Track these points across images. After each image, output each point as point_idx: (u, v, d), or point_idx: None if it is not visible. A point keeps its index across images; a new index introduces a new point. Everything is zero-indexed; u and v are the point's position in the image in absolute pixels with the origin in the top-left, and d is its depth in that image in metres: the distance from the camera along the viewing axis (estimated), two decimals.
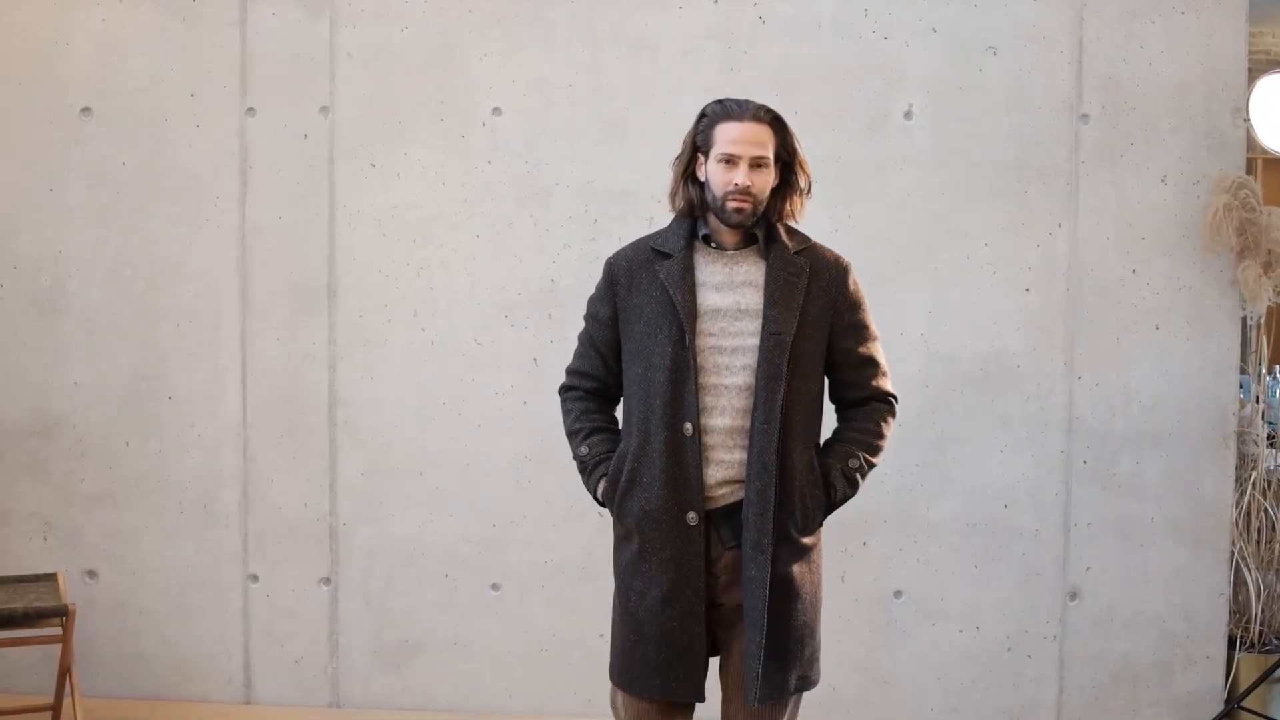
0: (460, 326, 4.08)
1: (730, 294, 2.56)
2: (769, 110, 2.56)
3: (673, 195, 2.63)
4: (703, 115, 2.60)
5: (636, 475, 2.55)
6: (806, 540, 2.57)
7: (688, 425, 2.49)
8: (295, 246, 4.11)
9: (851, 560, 4.00)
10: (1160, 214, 3.95)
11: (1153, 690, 4.00)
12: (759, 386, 2.49)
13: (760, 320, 2.52)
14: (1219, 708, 3.93)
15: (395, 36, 4.08)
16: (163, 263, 4.14)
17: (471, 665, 4.13)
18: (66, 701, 3.71)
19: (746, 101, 2.57)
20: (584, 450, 2.66)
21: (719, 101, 2.60)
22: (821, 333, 2.58)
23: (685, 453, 2.50)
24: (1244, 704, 3.87)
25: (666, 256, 2.58)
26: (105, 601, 4.18)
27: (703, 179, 2.57)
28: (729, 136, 2.52)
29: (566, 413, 2.72)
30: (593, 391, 2.70)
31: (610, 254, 2.70)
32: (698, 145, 2.59)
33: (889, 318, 3.95)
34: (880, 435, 2.65)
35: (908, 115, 3.99)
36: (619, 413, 2.70)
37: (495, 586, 4.11)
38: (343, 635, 4.16)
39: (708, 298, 2.55)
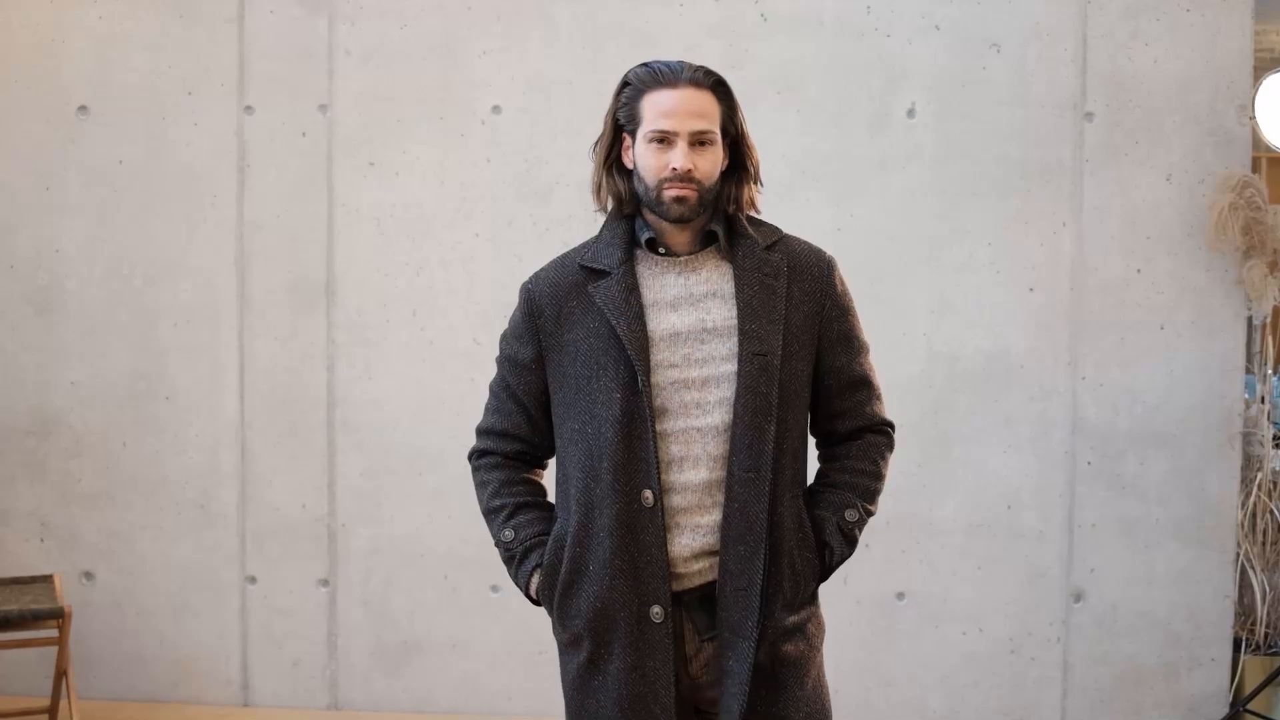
0: (459, 325, 4.06)
1: (691, 311, 2.03)
2: (709, 72, 2.04)
3: (596, 190, 2.10)
4: (624, 84, 2.07)
5: (581, 563, 2.02)
6: (797, 617, 2.04)
7: (647, 493, 1.97)
8: (294, 245, 4.09)
9: (853, 562, 3.96)
10: (1165, 212, 3.92)
11: (1157, 692, 3.97)
12: (740, 425, 1.97)
13: (735, 339, 2.00)
14: (1224, 710, 3.90)
15: (394, 34, 4.05)
16: (160, 261, 4.12)
17: (471, 666, 4.11)
18: (63, 704, 3.68)
19: (680, 63, 2.04)
20: (508, 535, 2.10)
21: (644, 65, 2.06)
22: (808, 348, 2.07)
23: (645, 528, 1.97)
24: (1249, 706, 3.84)
25: (602, 274, 2.04)
26: (102, 602, 4.15)
27: (630, 165, 2.06)
28: (660, 108, 2.00)
29: (481, 485, 2.16)
30: (514, 456, 2.16)
31: (527, 278, 2.14)
32: (620, 123, 2.07)
33: (891, 317, 3.92)
34: (879, 476, 2.17)
35: (910, 113, 3.96)
36: (551, 481, 2.19)
37: (495, 588, 4.08)
38: (341, 636, 4.13)
39: (662, 319, 2.02)
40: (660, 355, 2.00)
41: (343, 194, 4.07)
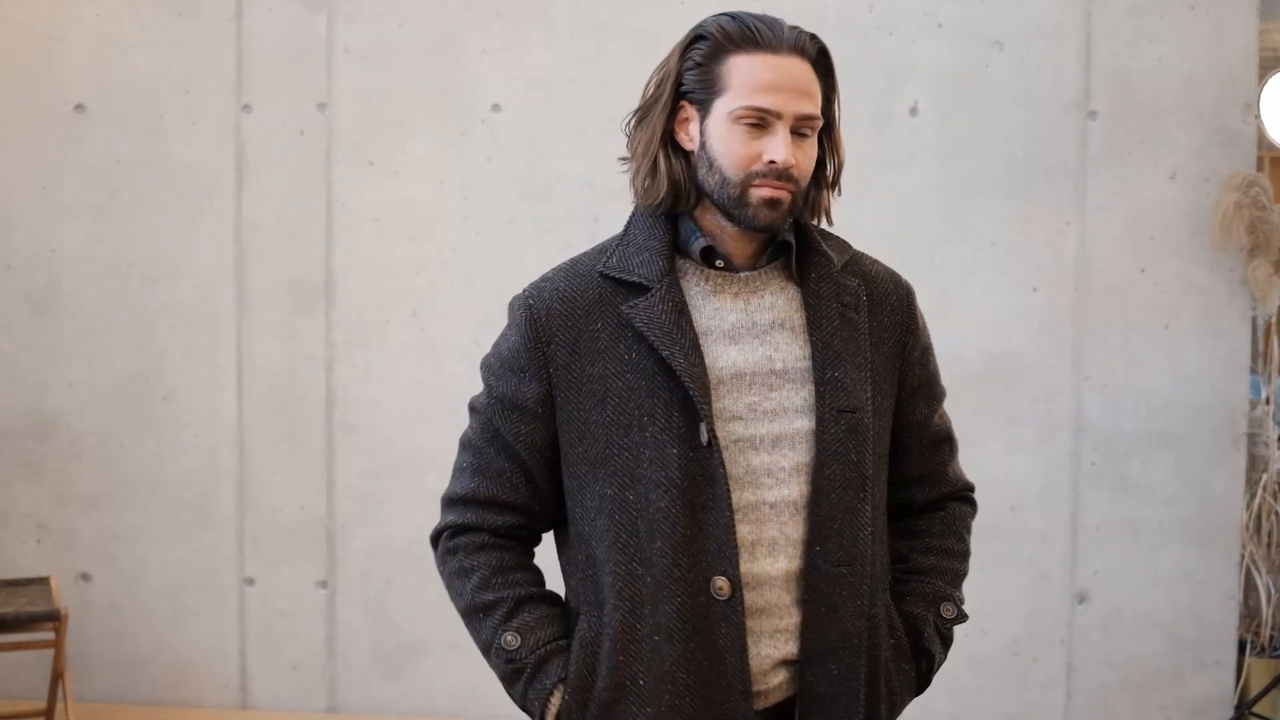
0: (459, 326, 4.03)
1: (755, 345, 1.57)
2: (814, 38, 1.59)
3: (642, 174, 1.60)
4: (698, 37, 1.57)
5: (626, 675, 1.52)
6: None
7: (721, 582, 1.49)
8: (292, 245, 4.06)
9: None
10: (1169, 212, 3.89)
11: (1161, 694, 3.95)
12: (827, 504, 1.53)
13: (810, 387, 1.56)
14: (1229, 713, 3.88)
15: (394, 32, 4.03)
16: (158, 261, 4.09)
17: (471, 669, 4.07)
18: (59, 706, 3.66)
19: (778, 21, 1.56)
20: (510, 640, 1.57)
21: (729, 15, 1.56)
22: (890, 400, 1.65)
23: (718, 628, 1.49)
24: (1254, 709, 3.82)
25: (637, 289, 1.56)
26: (100, 604, 4.13)
27: (693, 147, 1.56)
28: (758, 78, 1.51)
29: (459, 574, 1.61)
30: (506, 532, 1.63)
31: (521, 292, 1.64)
32: (686, 89, 1.57)
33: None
34: (967, 555, 1.75)
35: (913, 112, 3.94)
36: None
37: None
38: (340, 639, 4.11)
39: (720, 354, 1.55)
40: (720, 402, 1.52)
41: (342, 193, 4.05)
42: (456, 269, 4.03)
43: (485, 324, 3.99)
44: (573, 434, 1.56)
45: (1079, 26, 3.89)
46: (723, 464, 1.50)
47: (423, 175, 4.04)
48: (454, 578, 1.62)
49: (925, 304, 3.90)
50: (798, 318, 1.58)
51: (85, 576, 4.14)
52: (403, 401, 4.06)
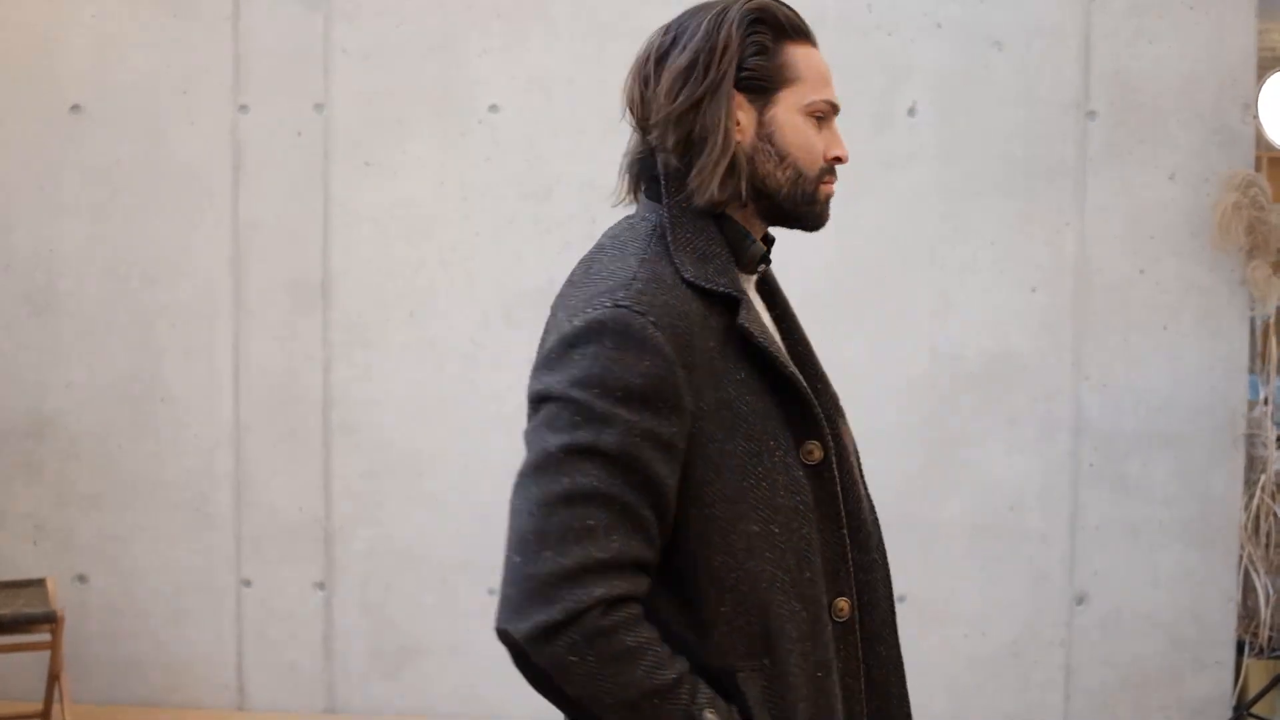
0: (458, 326, 4.02)
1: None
2: None
3: (720, 168, 1.42)
4: (759, 20, 1.45)
5: (784, 695, 1.40)
6: None
7: (842, 602, 1.46)
8: (290, 245, 4.06)
9: None
10: (1169, 212, 3.89)
11: (1161, 695, 3.94)
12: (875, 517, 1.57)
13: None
14: (1227, 713, 3.87)
15: (392, 32, 4.02)
16: (157, 261, 4.08)
17: (470, 670, 4.07)
18: (56, 708, 3.65)
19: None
20: (711, 717, 1.33)
21: (769, 6, 1.47)
22: None
23: (839, 650, 1.46)
24: (1253, 710, 3.81)
25: (727, 301, 1.41)
26: (97, 605, 4.12)
27: (741, 139, 1.45)
28: (818, 70, 1.47)
29: (628, 656, 1.30)
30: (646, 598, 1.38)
31: (625, 306, 1.34)
32: (748, 77, 1.44)
33: (894, 317, 3.89)
34: None
35: (912, 112, 3.93)
36: None
37: (493, 590, 4.03)
38: (338, 640, 4.10)
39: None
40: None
41: (340, 194, 4.04)
42: (456, 269, 4.02)
43: (484, 324, 3.99)
44: (709, 470, 1.36)
45: (1078, 26, 3.88)
46: (837, 480, 1.45)
47: (422, 175, 4.03)
48: (618, 662, 1.29)
49: (926, 304, 3.92)
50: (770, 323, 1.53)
51: (82, 578, 4.13)
52: (402, 402, 4.05)
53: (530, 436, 1.33)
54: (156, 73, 4.06)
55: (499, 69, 4.01)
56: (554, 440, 1.29)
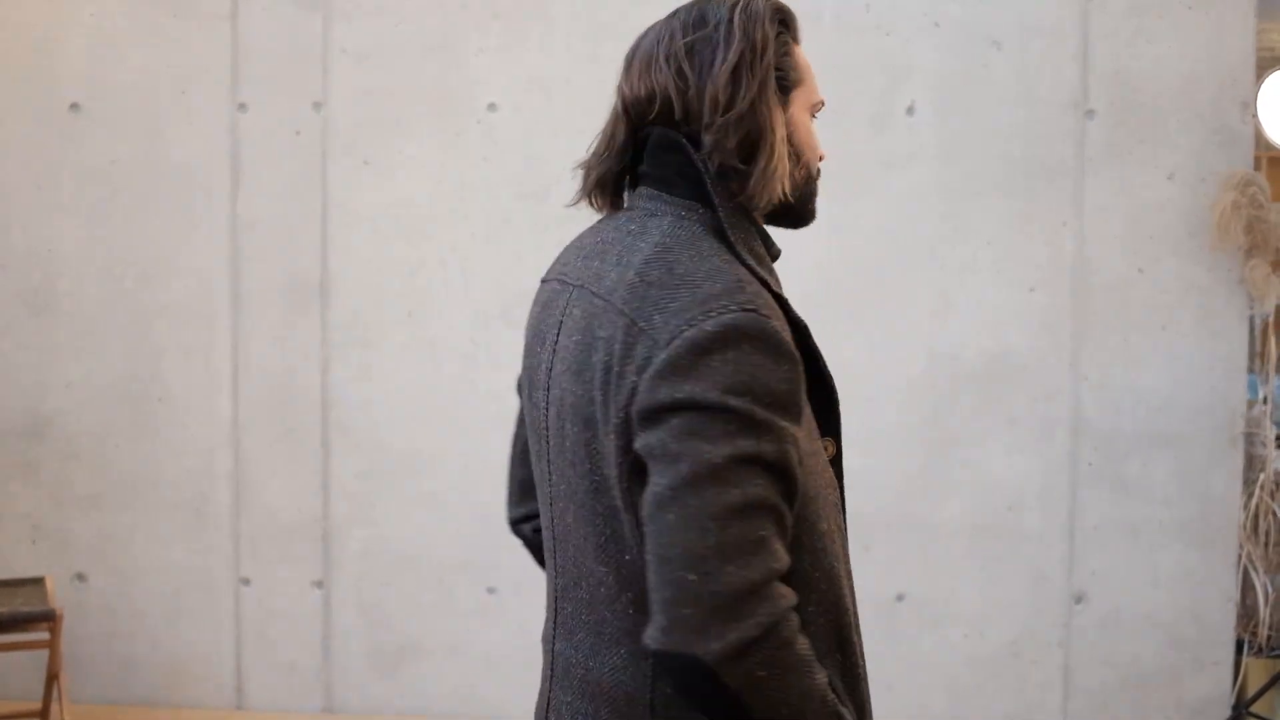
0: (456, 326, 4.02)
1: None
2: None
3: (785, 167, 1.44)
4: (780, 18, 1.47)
5: (855, 686, 1.44)
6: None
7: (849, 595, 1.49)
8: (288, 244, 4.05)
9: (854, 563, 3.93)
10: (1167, 212, 3.89)
11: (1160, 695, 3.94)
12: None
13: None
14: (1226, 713, 3.87)
15: (390, 31, 4.02)
16: (154, 261, 4.08)
17: (467, 670, 4.07)
18: (54, 707, 3.64)
19: None
20: (846, 714, 1.34)
21: (781, 5, 1.48)
22: None
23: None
24: (1251, 709, 3.81)
25: (784, 301, 1.41)
26: (95, 605, 4.11)
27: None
28: (812, 70, 1.52)
29: (809, 662, 1.28)
30: None
31: (752, 310, 1.29)
32: (779, 76, 1.45)
33: (893, 317, 3.89)
34: None
35: (910, 111, 3.93)
36: None
37: (491, 590, 4.04)
38: (336, 639, 4.10)
39: None
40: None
41: (338, 193, 4.04)
42: (453, 269, 4.02)
43: (482, 324, 3.99)
44: (804, 471, 1.33)
45: (1077, 26, 3.88)
46: (841, 476, 1.48)
47: (419, 175, 4.03)
48: (796, 671, 1.26)
49: (925, 304, 3.92)
50: None
51: (81, 577, 4.13)
52: (399, 402, 4.04)
53: (672, 447, 1.23)
54: (155, 72, 4.06)
55: (497, 69, 4.00)
56: (714, 450, 1.22)
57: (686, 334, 1.25)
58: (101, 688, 4.11)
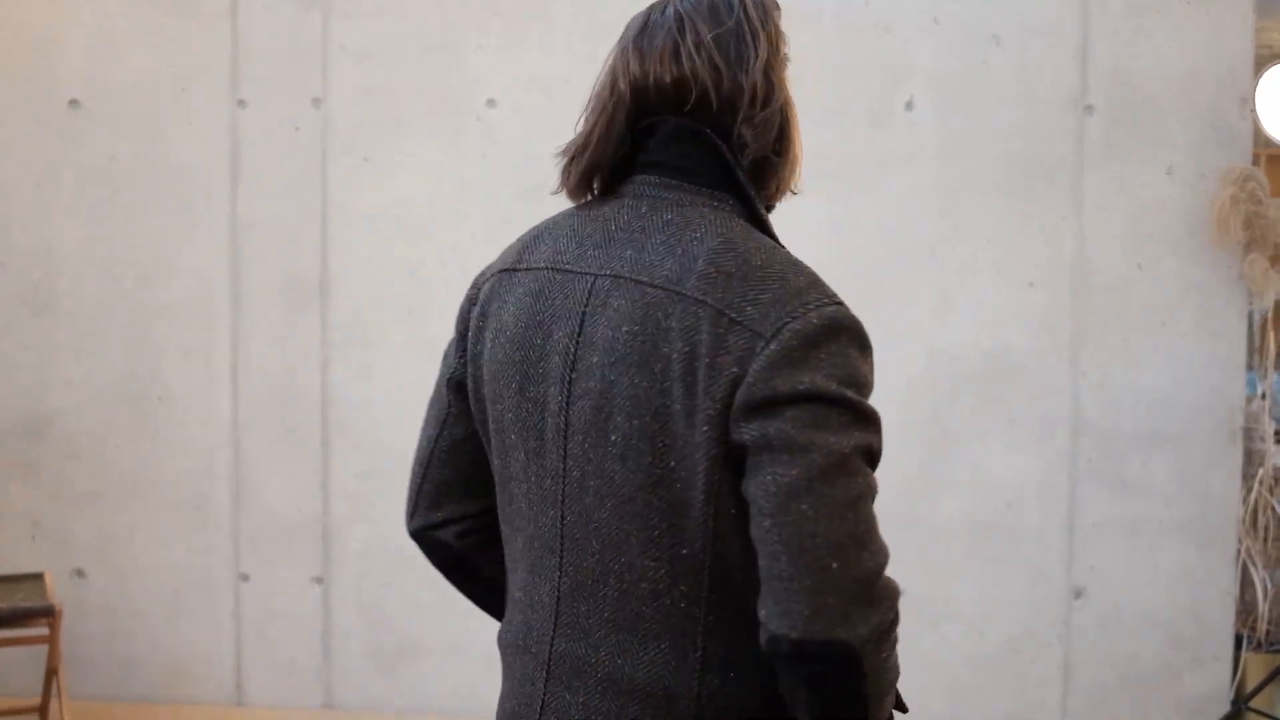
0: None
1: None
2: None
3: (800, 165, 1.49)
4: (777, 4, 1.49)
5: None
6: None
7: None
8: (288, 243, 4.05)
9: None
10: (1167, 209, 3.89)
11: (1159, 692, 3.94)
12: None
13: None
14: (1226, 708, 3.88)
15: (390, 29, 4.02)
16: (154, 260, 4.08)
17: (467, 668, 4.07)
18: (53, 704, 3.65)
19: None
20: None
21: None
22: None
23: None
24: (1251, 704, 3.82)
25: None
26: (95, 603, 4.11)
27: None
28: None
29: (895, 642, 1.31)
30: None
31: (840, 304, 1.37)
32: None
33: (892, 316, 3.89)
34: None
35: (910, 109, 3.93)
36: None
37: None
38: (336, 637, 4.10)
39: None
40: None
41: (337, 191, 4.04)
42: (453, 268, 4.02)
43: None
44: None
45: (1076, 23, 3.88)
46: None
47: (419, 173, 4.03)
48: (894, 648, 1.31)
49: (925, 303, 3.92)
50: None
51: (80, 575, 4.13)
52: (399, 401, 4.04)
53: (797, 438, 1.24)
54: (155, 70, 4.05)
55: (497, 67, 4.00)
56: (840, 441, 1.26)
57: (791, 326, 1.27)
58: (101, 685, 4.11)
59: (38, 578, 3.74)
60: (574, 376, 1.34)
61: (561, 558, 1.37)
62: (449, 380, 1.52)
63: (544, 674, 1.39)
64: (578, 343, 1.34)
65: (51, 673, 3.59)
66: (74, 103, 4.07)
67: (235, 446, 4.08)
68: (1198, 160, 3.87)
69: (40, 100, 4.07)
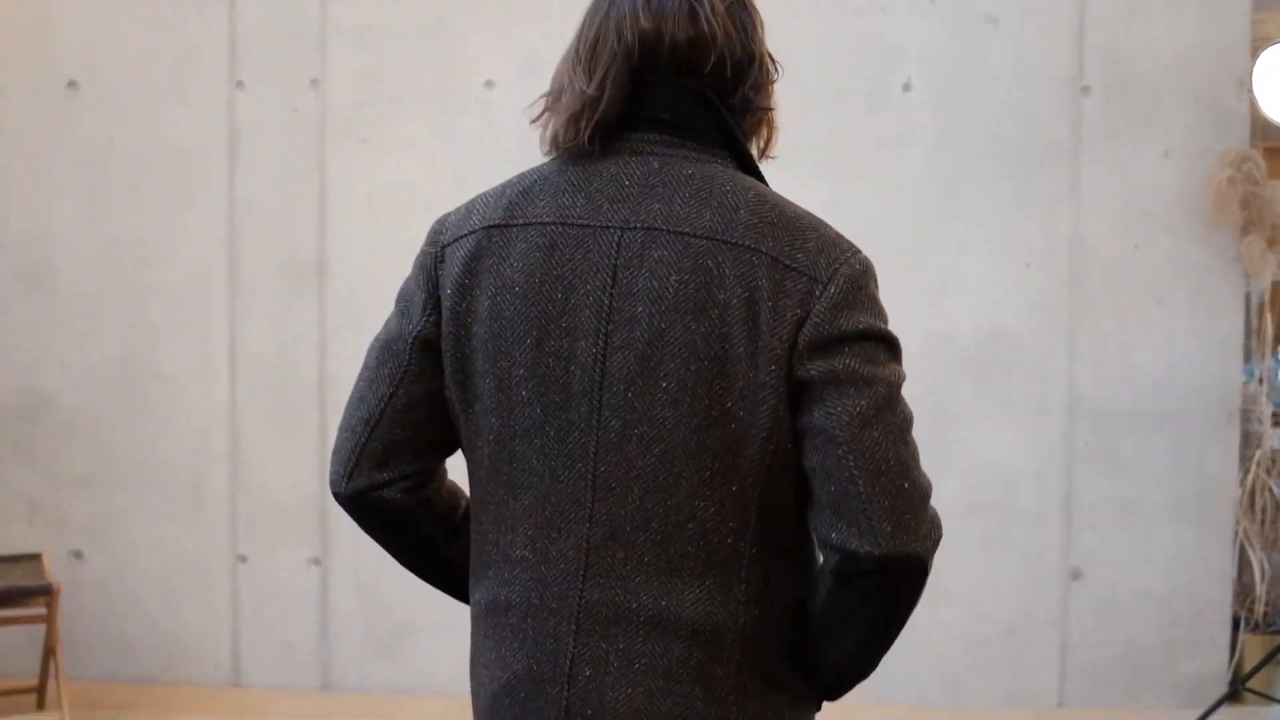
0: None
1: None
2: None
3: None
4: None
5: None
6: None
7: None
8: (285, 224, 4.06)
9: None
10: (1163, 190, 3.89)
11: (1156, 673, 3.94)
12: None
13: None
14: (1223, 689, 3.87)
15: (388, 11, 4.02)
16: (151, 241, 4.08)
17: (463, 649, 4.05)
18: (51, 684, 3.65)
19: None
20: None
21: None
22: None
23: None
24: (1248, 685, 3.81)
25: None
26: (92, 584, 4.12)
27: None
28: None
29: None
30: None
31: (858, 249, 1.44)
32: None
33: (888, 297, 3.86)
34: None
35: (907, 90, 3.93)
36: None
37: None
38: (333, 618, 4.10)
39: None
40: None
41: (334, 172, 4.04)
42: None
43: None
44: None
45: (1073, 5, 3.89)
46: None
47: (417, 155, 4.03)
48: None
49: (920, 284, 3.92)
50: None
51: (77, 555, 4.13)
52: None
53: (862, 371, 1.34)
54: (153, 51, 4.06)
55: (494, 48, 4.01)
56: (894, 373, 1.37)
57: (843, 271, 1.37)
58: (98, 666, 4.11)
59: (35, 558, 3.74)
60: (611, 328, 1.35)
61: (593, 509, 1.37)
62: (414, 338, 1.49)
63: (572, 627, 1.38)
64: (612, 295, 1.36)
65: (49, 652, 3.59)
66: (72, 84, 4.08)
67: (232, 427, 4.08)
68: (1194, 141, 3.87)
69: (38, 82, 4.08)
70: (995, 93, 3.91)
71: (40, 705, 3.74)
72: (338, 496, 1.53)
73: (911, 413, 1.39)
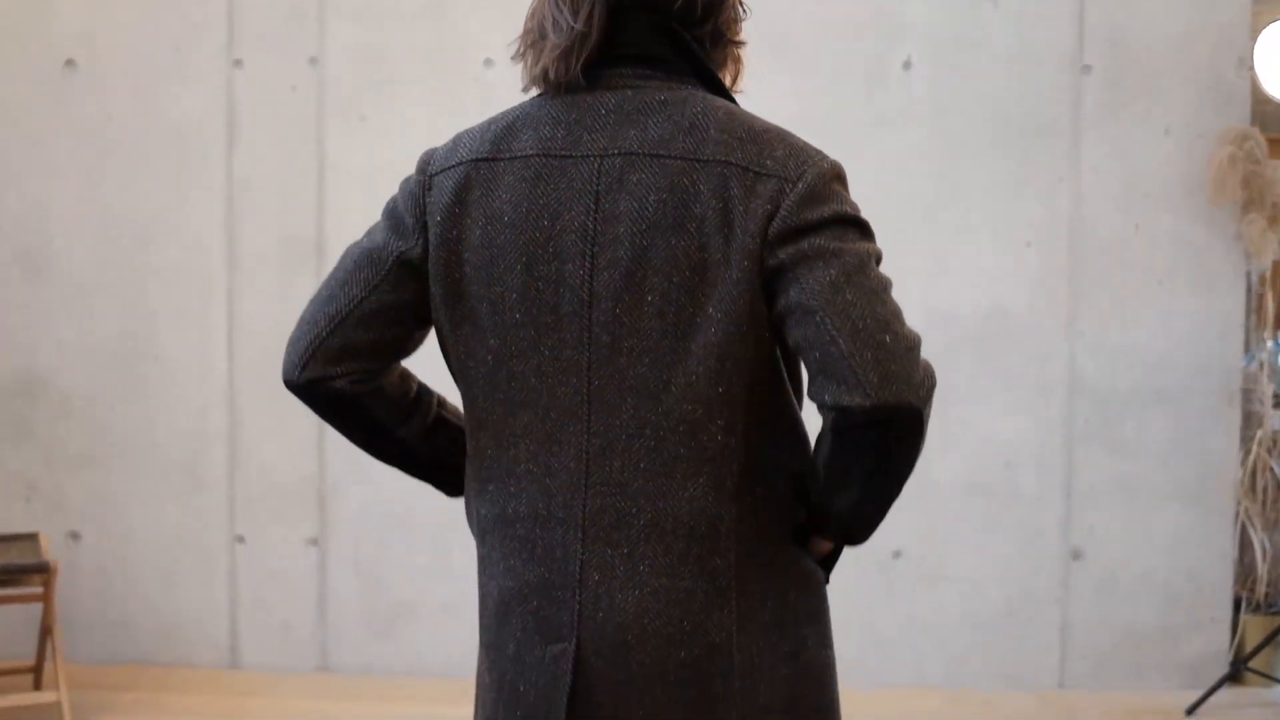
0: None
1: None
2: None
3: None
4: None
5: None
6: None
7: None
8: (284, 203, 4.04)
9: None
10: (1164, 169, 3.88)
11: (1156, 653, 3.93)
12: None
13: None
14: (1224, 669, 3.86)
15: None
16: (149, 220, 4.07)
17: (462, 629, 4.03)
18: (48, 665, 3.63)
19: None
20: None
21: None
22: None
23: None
24: (1250, 665, 3.80)
25: None
26: (89, 564, 4.10)
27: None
28: None
29: None
30: None
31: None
32: None
33: (888, 274, 3.88)
34: None
35: (906, 68, 3.92)
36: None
37: None
38: (331, 599, 4.08)
39: None
40: None
41: (333, 151, 4.03)
42: None
43: None
44: None
45: None
46: None
47: (416, 133, 3.99)
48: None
49: (920, 263, 3.91)
50: None
51: (75, 536, 4.11)
52: None
53: (831, 246, 1.41)
54: (150, 30, 4.04)
55: (494, 27, 3.98)
56: (866, 246, 1.44)
57: (811, 170, 1.43)
58: (95, 647, 4.09)
59: (32, 537, 3.72)
60: (596, 250, 1.44)
61: (590, 421, 1.45)
62: (400, 254, 1.54)
63: (579, 535, 1.46)
64: (595, 219, 1.44)
65: (46, 631, 3.57)
66: (70, 63, 4.06)
67: (230, 408, 4.07)
68: (1195, 120, 3.86)
69: (36, 61, 4.06)
70: (995, 71, 3.90)
71: (37, 686, 3.73)
72: (289, 384, 1.62)
73: (889, 279, 1.43)
